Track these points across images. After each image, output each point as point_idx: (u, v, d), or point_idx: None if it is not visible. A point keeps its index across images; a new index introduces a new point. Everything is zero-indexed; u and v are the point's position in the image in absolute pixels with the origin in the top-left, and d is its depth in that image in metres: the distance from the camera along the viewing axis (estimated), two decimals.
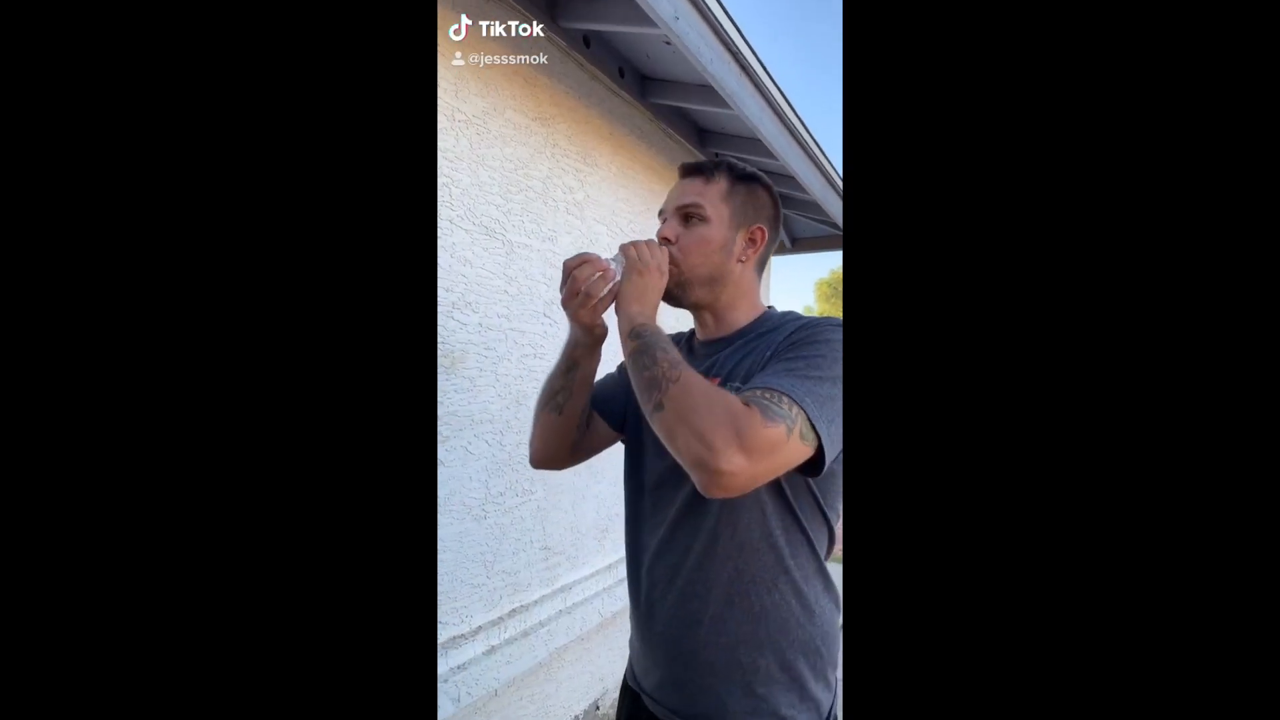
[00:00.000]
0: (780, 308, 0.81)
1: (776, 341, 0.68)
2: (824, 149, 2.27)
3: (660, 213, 0.80)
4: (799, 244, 3.46)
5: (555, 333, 1.64)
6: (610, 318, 0.74)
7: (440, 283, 1.29)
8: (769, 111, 1.87)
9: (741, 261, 0.76)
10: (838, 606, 0.74)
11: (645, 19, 1.32)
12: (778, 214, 0.80)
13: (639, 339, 0.66)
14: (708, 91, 1.70)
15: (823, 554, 0.72)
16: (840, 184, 2.53)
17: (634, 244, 0.73)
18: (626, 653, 0.87)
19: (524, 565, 1.60)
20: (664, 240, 0.76)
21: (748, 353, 0.72)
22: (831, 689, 0.73)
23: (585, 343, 0.78)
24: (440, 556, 1.33)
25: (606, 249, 0.94)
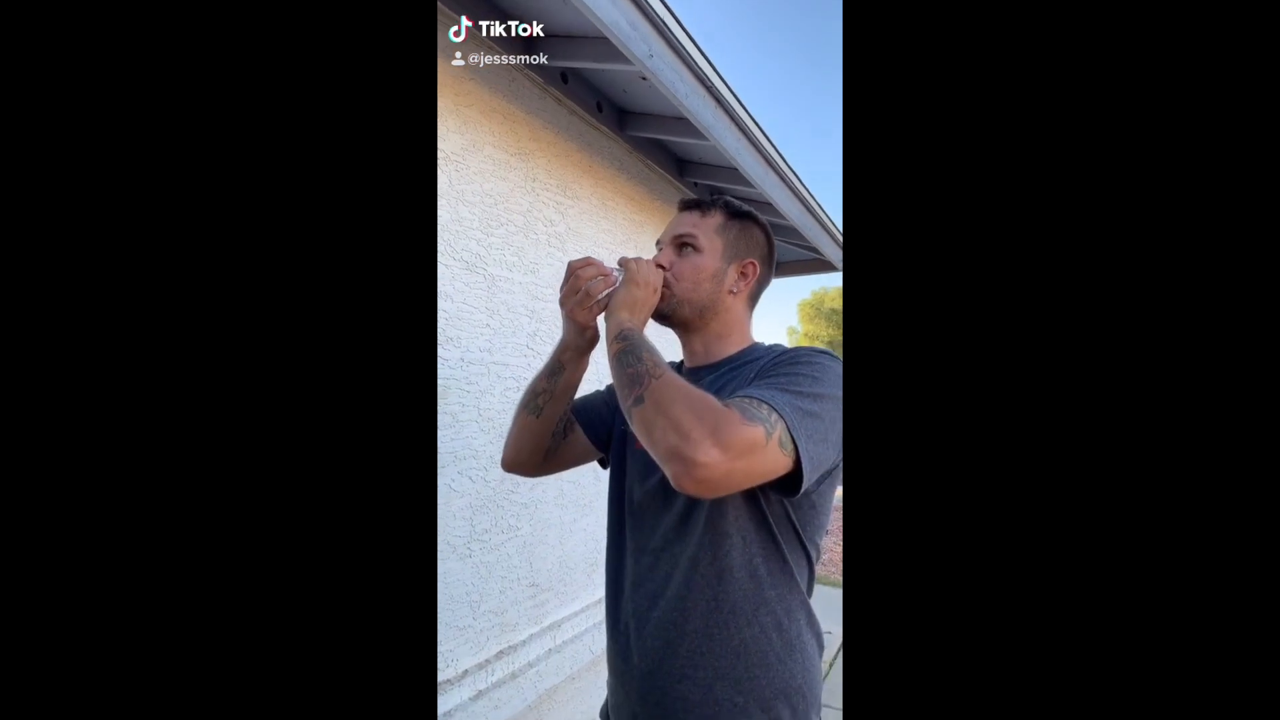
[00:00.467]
0: (764, 328, 0.82)
1: (761, 365, 0.70)
2: (801, 177, 2.32)
3: (657, 242, 0.83)
4: (780, 268, 3.50)
5: (538, 365, 1.63)
6: (602, 325, 0.76)
7: None
8: (744, 141, 1.91)
9: (733, 293, 0.78)
10: (820, 644, 0.73)
11: (621, 57, 1.35)
12: (771, 252, 0.83)
13: (626, 340, 0.67)
14: (684, 124, 1.73)
15: (804, 587, 0.71)
16: (818, 209, 2.59)
17: (634, 259, 0.75)
18: None
19: (511, 604, 1.56)
20: (658, 266, 0.78)
21: (733, 378, 0.73)
22: None
23: (575, 345, 0.80)
24: None
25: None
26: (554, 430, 0.85)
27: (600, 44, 1.36)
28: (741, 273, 0.79)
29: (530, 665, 1.59)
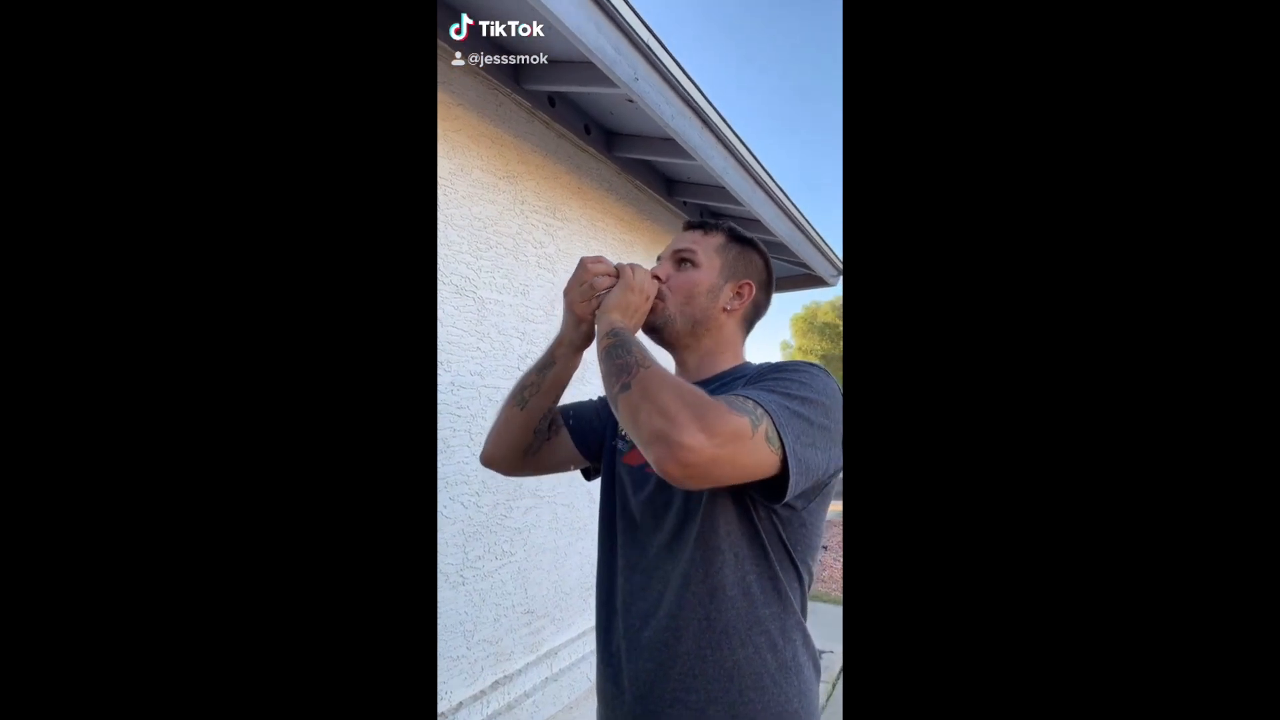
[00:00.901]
0: (757, 342, 0.83)
1: (749, 376, 0.70)
2: (789, 194, 2.34)
3: (658, 257, 0.84)
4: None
5: None
6: None
7: None
8: (731, 160, 1.93)
9: (726, 310, 0.79)
10: (817, 668, 0.71)
11: (606, 80, 1.36)
12: (769, 280, 0.84)
13: (616, 337, 0.68)
14: (672, 144, 1.75)
15: (798, 607, 0.70)
16: (807, 225, 2.61)
17: (631, 264, 0.77)
18: None
19: (506, 632, 1.53)
20: (655, 278, 0.79)
21: (721, 391, 0.72)
22: None
23: (570, 340, 0.80)
24: None
25: None
26: (537, 427, 0.84)
27: (586, 68, 1.37)
28: (737, 292, 0.79)
29: (526, 695, 1.55)
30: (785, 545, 0.68)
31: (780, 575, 0.68)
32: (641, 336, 0.74)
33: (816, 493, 0.66)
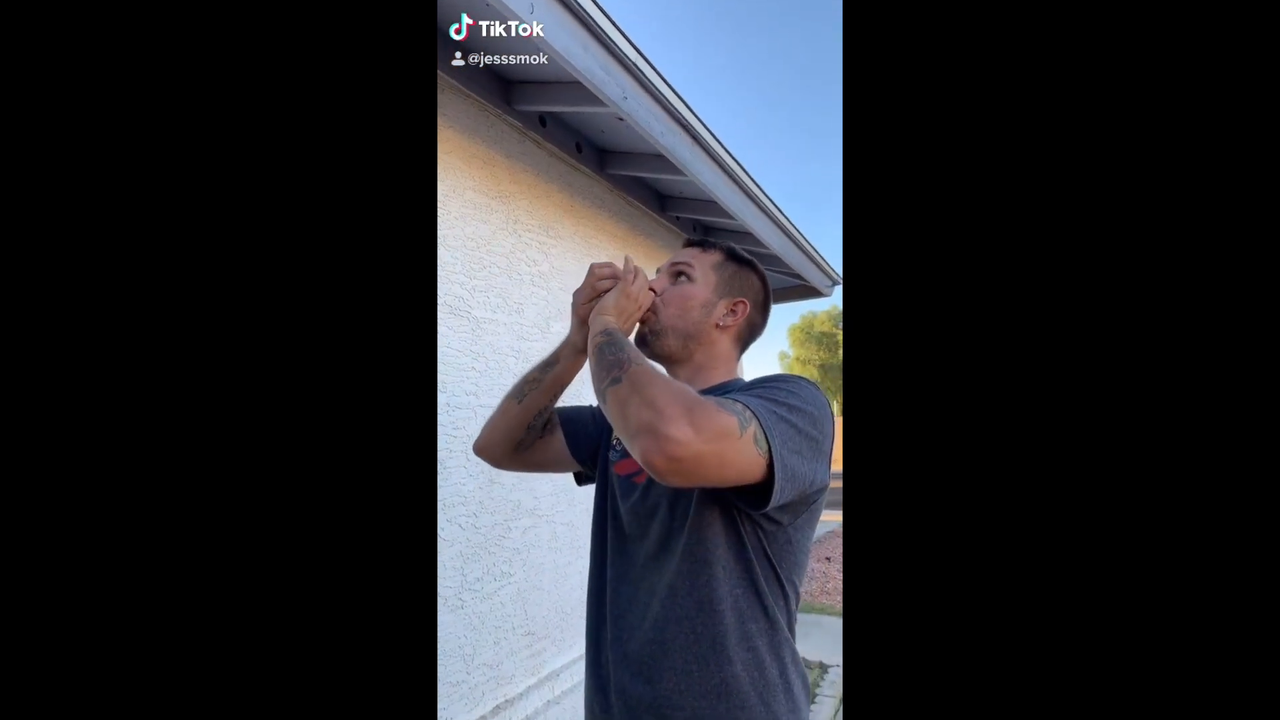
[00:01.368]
0: (756, 352, 0.83)
1: (739, 388, 0.70)
2: (781, 206, 2.35)
3: (657, 270, 0.85)
4: None
5: None
6: None
7: None
8: (722, 175, 1.94)
9: (720, 327, 0.79)
10: (807, 688, 0.70)
11: (596, 100, 1.38)
12: (766, 300, 0.84)
13: (609, 335, 0.68)
14: (663, 160, 1.76)
15: (784, 625, 0.69)
16: (800, 237, 2.62)
17: (636, 270, 0.78)
18: None
19: (506, 655, 1.51)
20: (650, 290, 0.80)
21: None
22: None
23: (574, 343, 0.81)
24: None
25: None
26: (531, 423, 0.85)
27: (576, 88, 1.38)
28: (731, 309, 0.80)
29: (529, 719, 1.53)
30: (771, 562, 0.68)
31: (767, 591, 0.67)
32: None
33: (803, 507, 0.66)
